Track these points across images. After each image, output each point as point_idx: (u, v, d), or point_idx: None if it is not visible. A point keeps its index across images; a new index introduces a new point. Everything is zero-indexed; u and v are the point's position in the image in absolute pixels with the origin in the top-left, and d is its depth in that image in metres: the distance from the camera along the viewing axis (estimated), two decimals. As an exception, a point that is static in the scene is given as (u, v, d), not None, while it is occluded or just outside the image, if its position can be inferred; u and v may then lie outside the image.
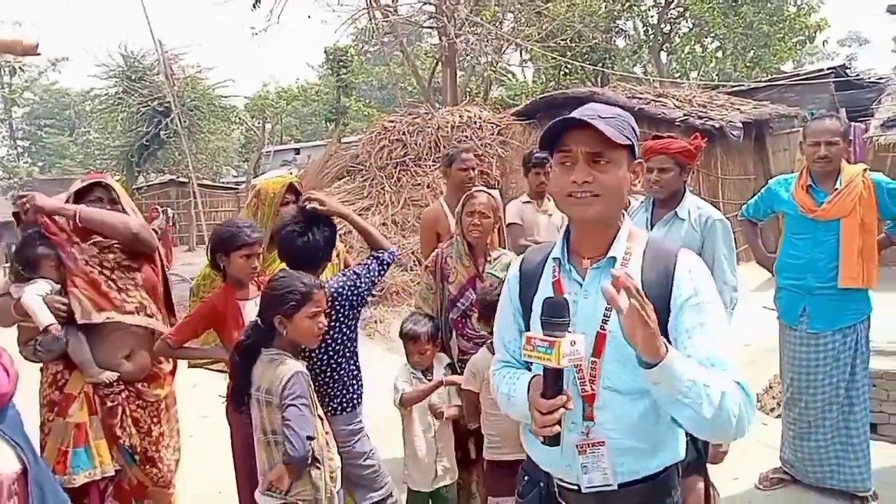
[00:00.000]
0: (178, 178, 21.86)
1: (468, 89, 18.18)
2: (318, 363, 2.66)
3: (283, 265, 2.64)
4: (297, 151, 29.61)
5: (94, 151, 27.89)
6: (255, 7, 16.11)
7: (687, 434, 1.60)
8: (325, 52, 23.49)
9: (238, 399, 2.41)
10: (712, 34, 21.60)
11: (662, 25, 21.74)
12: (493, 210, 3.09)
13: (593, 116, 1.47)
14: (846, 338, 3.28)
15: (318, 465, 2.31)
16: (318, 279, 2.49)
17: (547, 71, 19.98)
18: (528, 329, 1.62)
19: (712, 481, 2.14)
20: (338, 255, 3.30)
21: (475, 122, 10.37)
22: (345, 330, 2.70)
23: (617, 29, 21.17)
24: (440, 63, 17.16)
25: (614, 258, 1.52)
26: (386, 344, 6.63)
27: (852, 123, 9.16)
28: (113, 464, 2.69)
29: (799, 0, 20.84)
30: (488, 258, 3.13)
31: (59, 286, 2.67)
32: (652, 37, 21.94)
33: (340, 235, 4.02)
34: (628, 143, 1.49)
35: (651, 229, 3.03)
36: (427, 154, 10.02)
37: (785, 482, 3.54)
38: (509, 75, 23.25)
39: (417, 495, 3.00)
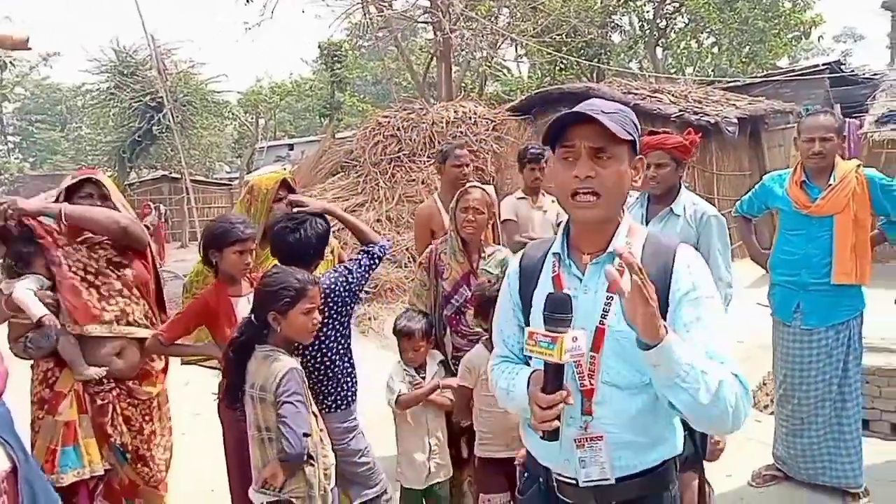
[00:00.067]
0: (170, 173, 21.74)
1: (463, 84, 18.16)
2: (312, 360, 2.65)
3: (276, 261, 2.62)
4: (291, 147, 29.50)
5: (85, 147, 27.75)
6: (248, 2, 16.04)
7: (685, 429, 1.60)
8: (319, 46, 23.35)
9: (232, 396, 2.40)
10: (708, 30, 21.64)
11: (658, 21, 21.74)
12: (487, 206, 3.08)
13: (596, 111, 1.47)
14: (839, 334, 3.28)
15: (312, 462, 2.30)
16: (311, 275, 2.47)
17: (542, 66, 19.96)
18: (527, 324, 1.63)
19: (707, 478, 2.14)
20: (332, 252, 3.28)
21: (470, 118, 10.35)
22: (338, 327, 2.69)
23: (612, 24, 21.16)
24: (435, 58, 17.13)
25: (614, 253, 1.52)
26: (380, 341, 6.62)
27: (847, 119, 9.22)
28: (103, 463, 2.67)
29: (794, -4, 20.88)
30: (482, 254, 3.12)
31: (49, 282, 2.64)
32: (647, 32, 21.95)
33: (334, 231, 4.00)
34: (630, 138, 1.49)
35: (646, 225, 3.02)
36: (422, 150, 10.00)
37: (777, 479, 3.55)
38: (504, 70, 23.22)
39: (411, 493, 3.00)
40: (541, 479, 1.63)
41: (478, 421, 2.85)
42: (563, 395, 1.42)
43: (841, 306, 3.27)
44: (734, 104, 11.45)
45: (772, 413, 3.84)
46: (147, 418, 2.82)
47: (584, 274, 1.55)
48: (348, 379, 2.75)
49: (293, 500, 2.28)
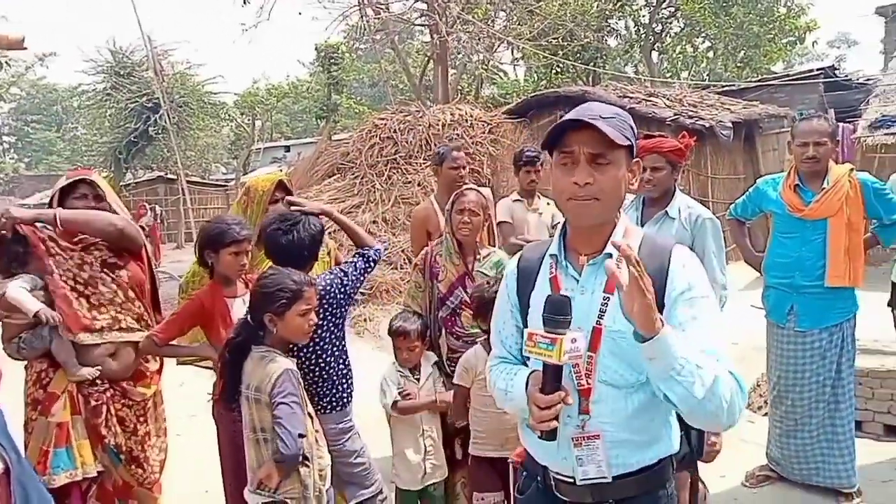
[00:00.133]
0: (166, 174, 21.70)
1: (459, 87, 18.18)
2: (307, 362, 2.65)
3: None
4: (287, 149, 29.47)
5: (81, 147, 27.62)
6: (245, 3, 16.02)
7: (681, 428, 1.62)
8: (316, 48, 23.38)
9: (229, 396, 2.40)
10: (703, 34, 21.74)
11: (654, 25, 21.83)
12: (482, 208, 3.09)
13: (595, 117, 1.48)
14: (832, 336, 3.30)
15: (306, 463, 2.30)
16: (308, 276, 2.48)
17: (538, 70, 20.02)
18: (525, 325, 1.64)
19: (701, 478, 2.16)
20: (328, 253, 3.28)
21: (466, 121, 10.37)
22: (332, 328, 2.69)
23: (608, 28, 21.21)
24: (431, 61, 17.14)
25: (611, 255, 1.54)
26: (375, 342, 6.62)
27: (840, 124, 9.25)
28: (96, 464, 2.66)
29: (789, 1, 20.97)
30: (478, 256, 3.13)
31: (42, 282, 2.64)
32: (643, 36, 22.04)
33: (330, 233, 4.00)
34: (629, 143, 1.51)
35: (641, 228, 3.04)
36: (418, 152, 10.01)
37: (771, 479, 3.56)
38: (501, 74, 23.25)
39: (406, 494, 3.00)
40: (539, 478, 1.64)
41: (473, 420, 2.86)
42: (562, 396, 1.43)
43: (834, 309, 3.29)
44: (729, 108, 11.51)
45: (765, 414, 3.85)
46: (141, 419, 2.81)
47: (580, 275, 1.57)
48: (344, 380, 2.75)
49: (288, 500, 2.28)
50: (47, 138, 38.56)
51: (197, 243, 2.75)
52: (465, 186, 3.25)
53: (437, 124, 10.21)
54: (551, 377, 1.44)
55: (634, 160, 1.57)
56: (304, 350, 2.62)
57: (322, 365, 2.68)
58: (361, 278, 2.77)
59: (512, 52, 19.91)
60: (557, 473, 1.59)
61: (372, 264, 2.82)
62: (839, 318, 3.29)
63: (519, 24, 16.76)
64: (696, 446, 1.74)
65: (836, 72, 16.14)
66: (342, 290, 2.68)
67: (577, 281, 1.57)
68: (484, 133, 10.24)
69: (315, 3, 16.03)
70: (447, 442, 3.08)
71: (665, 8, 21.62)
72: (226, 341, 2.42)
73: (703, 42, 22.82)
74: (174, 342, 2.72)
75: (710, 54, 22.81)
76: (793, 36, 21.23)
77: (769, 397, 3.61)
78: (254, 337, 2.36)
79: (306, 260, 2.59)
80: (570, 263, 1.60)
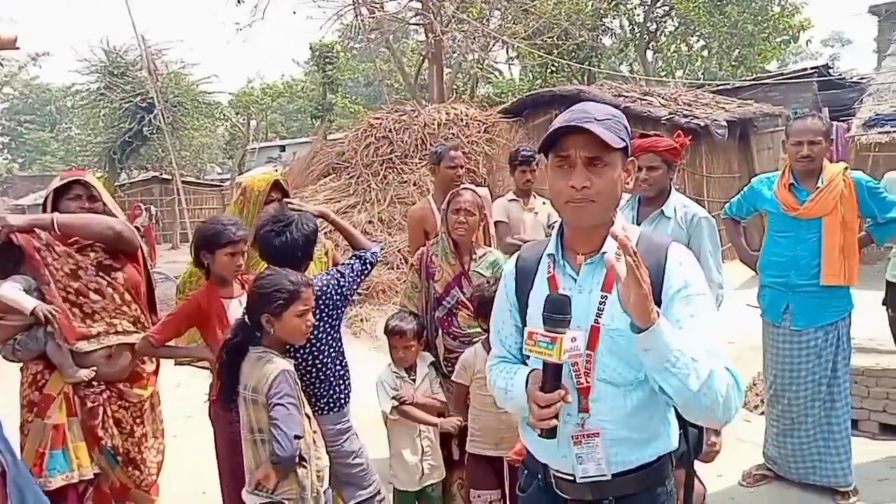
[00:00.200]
0: (161, 175, 21.62)
1: (455, 86, 18.15)
2: (304, 363, 2.65)
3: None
4: (283, 148, 29.39)
5: (75, 148, 27.54)
6: (239, 2, 15.98)
7: (680, 426, 1.64)
8: (311, 48, 23.33)
9: (227, 397, 2.39)
10: (698, 33, 21.77)
11: (648, 24, 21.86)
12: (478, 208, 3.09)
13: (590, 120, 1.49)
14: (828, 335, 3.31)
15: (304, 464, 2.30)
16: (305, 276, 2.47)
17: (534, 69, 20.01)
18: (523, 325, 1.65)
19: (700, 477, 2.16)
20: (326, 253, 3.28)
21: (462, 120, 10.36)
22: (329, 329, 2.69)
23: (603, 27, 21.23)
24: (427, 60, 17.13)
25: (607, 254, 1.56)
26: (372, 343, 6.61)
27: (834, 123, 9.29)
28: (92, 466, 2.65)
29: (783, 0, 21.02)
30: (474, 256, 3.13)
31: (35, 283, 2.62)
32: (638, 35, 22.06)
33: (327, 233, 3.99)
34: (624, 144, 1.52)
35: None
36: (413, 151, 9.99)
37: (768, 478, 3.58)
38: (496, 73, 23.25)
39: (404, 495, 3.00)
40: (539, 476, 1.65)
41: (471, 418, 2.88)
42: (562, 394, 1.45)
43: (829, 307, 3.31)
44: (723, 107, 11.54)
45: (762, 413, 3.87)
46: (138, 421, 2.80)
47: (578, 274, 1.58)
48: (341, 381, 2.75)
49: (285, 501, 2.27)
50: (41, 138, 38.38)
51: (193, 244, 2.74)
52: (461, 186, 3.25)
53: (433, 124, 10.20)
54: (551, 376, 1.45)
55: (629, 159, 1.58)
56: (301, 351, 2.61)
57: (319, 366, 2.67)
58: (358, 280, 2.77)
59: (507, 51, 19.90)
60: (558, 471, 1.60)
61: (369, 267, 2.82)
62: (834, 316, 3.31)
63: (514, 23, 16.76)
64: (695, 444, 1.75)
65: (830, 71, 16.20)
66: (339, 291, 2.68)
67: (575, 280, 1.58)
68: (479, 132, 10.23)
69: (309, 2, 16.05)
70: (444, 443, 3.08)
71: (659, 7, 21.65)
72: (223, 342, 2.41)
73: (698, 41, 22.86)
74: (171, 343, 2.71)
75: (705, 53, 22.84)
76: (787, 35, 21.27)
77: (766, 396, 3.63)
78: (251, 338, 2.35)
79: (301, 260, 2.58)
80: (568, 263, 1.61)
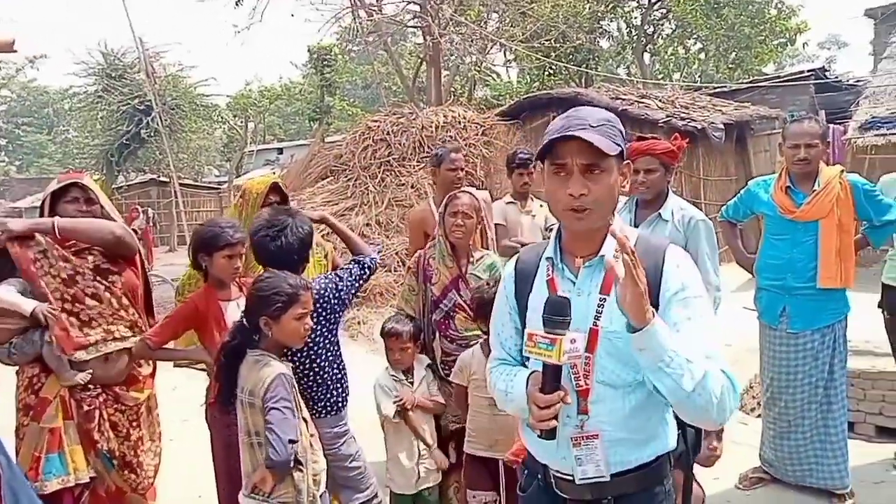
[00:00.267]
0: (158, 177, 21.62)
1: (452, 89, 18.18)
2: (302, 366, 2.65)
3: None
4: (280, 151, 29.42)
5: (73, 150, 27.51)
6: (237, 5, 15.99)
7: (678, 426, 1.65)
8: (309, 50, 23.34)
9: (225, 400, 2.39)
10: (695, 36, 21.82)
11: (646, 27, 21.90)
12: (475, 210, 3.09)
13: (585, 126, 1.50)
14: (825, 337, 3.32)
15: (300, 467, 2.29)
16: (304, 280, 2.47)
17: (531, 71, 20.03)
18: (523, 327, 1.67)
19: (698, 481, 2.17)
20: (325, 256, 3.28)
21: (459, 122, 10.38)
22: (326, 333, 2.68)
23: (601, 30, 21.26)
24: (424, 63, 17.15)
25: (604, 255, 1.57)
26: (369, 345, 6.61)
27: (831, 125, 9.32)
28: (88, 470, 2.64)
29: (780, 3, 21.09)
30: (471, 259, 3.13)
31: (28, 287, 2.62)
32: (635, 38, 22.10)
33: (325, 235, 3.98)
34: (619, 149, 1.53)
35: (634, 230, 3.05)
36: (411, 154, 10.01)
37: (765, 481, 3.58)
38: (494, 75, 23.27)
39: (400, 498, 3.00)
40: (539, 476, 1.67)
41: (468, 418, 2.89)
42: (561, 395, 1.46)
43: (826, 310, 3.31)
44: (720, 110, 11.56)
45: (758, 416, 3.88)
46: (134, 424, 2.80)
47: (577, 277, 1.60)
48: (339, 384, 2.75)
49: (281, 505, 2.27)
50: (38, 141, 38.32)
51: (191, 246, 2.74)
52: (459, 189, 3.25)
53: (431, 126, 10.21)
54: (551, 377, 1.46)
55: (625, 163, 1.59)
56: (299, 354, 2.61)
57: (316, 369, 2.67)
58: (356, 285, 2.76)
59: (504, 53, 19.91)
60: (557, 472, 1.62)
61: (367, 272, 2.82)
62: (831, 319, 3.31)
63: (511, 25, 16.78)
64: (693, 444, 1.78)
65: (827, 73, 16.24)
66: (336, 294, 2.68)
67: (574, 283, 1.59)
68: (477, 135, 10.25)
69: (308, 4, 16.03)
70: (441, 445, 3.08)
71: (657, 10, 21.70)
72: (221, 344, 2.41)
73: (695, 44, 22.91)
74: (168, 345, 2.70)
75: (702, 56, 22.89)
76: (783, 37, 21.32)
77: (762, 399, 3.63)
78: (249, 340, 2.35)
79: (297, 263, 2.58)
80: (567, 266, 1.62)
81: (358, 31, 15.75)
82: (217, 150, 28.33)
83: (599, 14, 19.70)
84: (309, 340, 2.53)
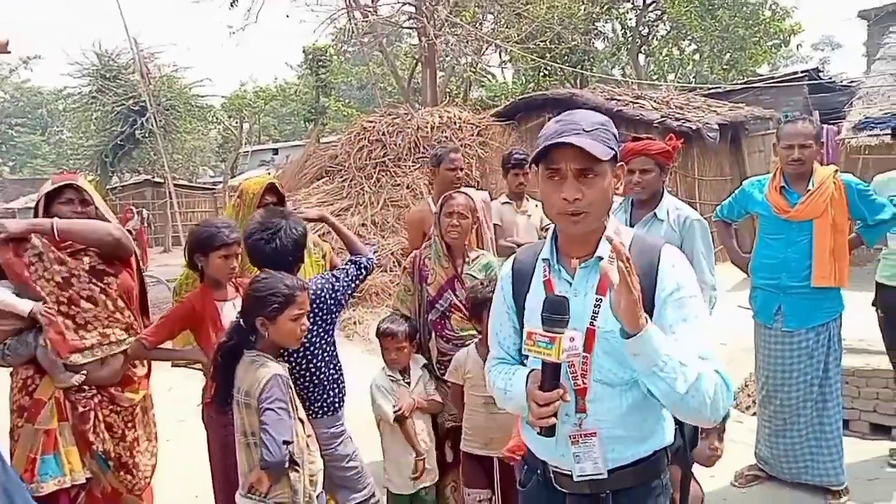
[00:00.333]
0: (153, 178, 21.55)
1: (448, 90, 18.20)
2: (298, 366, 2.64)
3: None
4: (276, 151, 29.37)
5: (66, 151, 27.38)
6: (232, 6, 15.97)
7: (675, 422, 1.67)
8: (304, 51, 23.34)
9: (222, 400, 2.38)
10: (689, 37, 21.90)
11: (640, 28, 21.97)
12: (471, 211, 3.09)
13: (578, 131, 1.52)
14: (819, 336, 3.34)
15: (296, 468, 2.29)
16: (299, 279, 2.47)
17: (526, 72, 20.07)
18: (521, 327, 1.69)
19: (697, 479, 2.18)
20: (324, 256, 3.29)
21: (455, 123, 10.37)
22: (323, 333, 2.68)
23: (596, 31, 21.34)
24: (420, 63, 17.15)
25: (602, 258, 1.59)
26: (365, 345, 6.60)
27: (825, 126, 9.36)
28: (84, 471, 2.63)
29: (774, 4, 21.18)
30: (466, 259, 3.13)
31: (16, 290, 2.60)
32: (630, 39, 22.17)
33: (322, 234, 3.98)
34: (613, 153, 1.55)
35: (630, 230, 3.06)
36: (407, 155, 9.99)
37: (760, 479, 3.59)
38: (489, 76, 23.31)
39: (398, 498, 3.00)
40: (539, 471, 1.70)
41: (464, 417, 2.91)
42: (560, 393, 1.48)
43: (821, 309, 3.33)
44: (715, 110, 11.60)
45: (754, 414, 3.89)
46: (130, 425, 2.78)
47: (573, 278, 1.62)
48: (335, 384, 2.74)
49: (277, 505, 2.27)
50: (32, 142, 38.15)
51: (187, 247, 2.74)
52: (457, 189, 3.26)
53: (426, 127, 10.20)
54: (550, 375, 1.48)
55: (618, 165, 1.61)
56: (296, 354, 2.60)
57: (313, 369, 2.67)
58: (353, 285, 2.77)
59: (500, 54, 19.94)
60: (556, 468, 1.65)
61: (364, 272, 2.82)
62: (826, 317, 3.33)
63: (507, 26, 16.80)
64: (691, 438, 1.80)
65: (821, 74, 16.32)
66: (333, 295, 2.67)
67: (570, 284, 1.61)
68: (472, 135, 10.24)
69: (303, 5, 16.00)
70: (438, 444, 3.09)
71: (651, 11, 21.77)
72: (218, 345, 2.40)
73: (690, 45, 22.99)
74: (164, 345, 2.70)
75: (697, 57, 22.97)
76: (777, 39, 21.43)
77: (758, 397, 3.64)
78: (245, 341, 2.34)
79: (292, 264, 2.57)
80: (563, 267, 1.64)
81: (353, 31, 15.73)
82: (212, 151, 28.25)
83: (594, 15, 19.76)
84: (305, 341, 2.53)
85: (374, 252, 3.27)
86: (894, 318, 3.70)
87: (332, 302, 2.68)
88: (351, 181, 9.92)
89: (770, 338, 3.43)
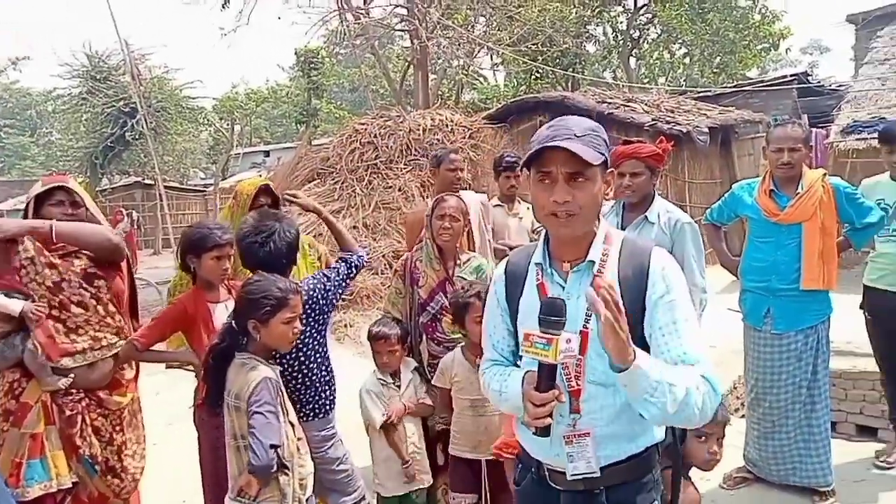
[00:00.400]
0: (143, 180, 21.43)
1: (440, 92, 18.21)
2: (291, 368, 2.63)
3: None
4: (267, 154, 29.30)
5: (56, 153, 27.19)
6: (224, 7, 15.92)
7: None
8: (296, 53, 23.29)
9: (213, 402, 2.37)
10: (680, 41, 22.03)
11: (631, 31, 22.09)
12: (462, 213, 3.10)
13: (570, 136, 1.54)
14: (808, 338, 3.36)
15: (286, 471, 2.28)
16: (292, 282, 2.46)
17: (518, 75, 20.14)
18: (515, 329, 1.73)
19: (694, 483, 2.20)
20: (319, 258, 3.28)
21: (447, 126, 10.37)
22: (315, 334, 2.67)
23: (587, 34, 21.42)
24: (412, 66, 17.16)
25: (593, 262, 1.62)
26: (356, 348, 6.59)
27: (813, 129, 9.44)
28: (70, 475, 2.60)
29: (763, 8, 21.34)
30: (458, 261, 3.14)
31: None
32: (621, 42, 22.28)
33: (317, 235, 3.96)
34: (603, 158, 1.58)
35: (621, 233, 3.07)
36: (398, 157, 9.99)
37: (748, 481, 3.61)
38: (481, 79, 23.36)
39: (388, 501, 2.99)
40: (533, 469, 1.73)
41: (452, 420, 2.91)
42: (556, 394, 1.51)
43: (809, 311, 3.35)
44: (705, 114, 11.67)
45: (742, 416, 3.90)
46: (118, 428, 2.76)
47: (566, 281, 1.64)
48: (327, 387, 2.74)
49: (267, 509, 2.25)
50: (21, 143, 37.84)
51: (179, 248, 2.73)
52: (455, 192, 3.27)
53: (418, 129, 10.20)
54: (546, 376, 1.51)
55: (608, 171, 1.64)
56: (288, 356, 2.60)
57: (305, 371, 2.66)
58: (344, 284, 2.76)
59: (492, 57, 19.99)
60: (550, 466, 1.68)
61: (354, 270, 2.81)
62: (814, 320, 3.35)
63: (499, 29, 16.84)
64: (680, 435, 1.86)
65: (809, 78, 16.43)
66: (325, 295, 2.67)
67: (563, 287, 1.64)
68: (464, 138, 10.24)
69: (295, 7, 15.98)
70: (428, 447, 3.08)
71: (642, 14, 21.88)
72: (209, 346, 2.39)
73: (680, 48, 23.12)
74: (156, 347, 2.68)
75: (687, 60, 23.10)
76: (767, 42, 21.58)
77: (746, 399, 3.66)
78: (237, 343, 2.33)
79: (285, 267, 2.57)
80: (556, 271, 1.67)
81: (345, 34, 15.73)
82: (203, 153, 28.12)
83: (586, 19, 19.82)
84: (299, 342, 2.53)
85: (367, 255, 3.27)
86: (881, 321, 3.73)
87: (325, 302, 2.67)
88: (342, 183, 9.90)
89: (759, 340, 3.45)
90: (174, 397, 3.36)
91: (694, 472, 2.26)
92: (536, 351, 1.48)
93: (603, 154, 1.58)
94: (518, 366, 1.74)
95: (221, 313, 2.60)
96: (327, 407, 2.74)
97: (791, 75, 15.75)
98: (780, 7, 21.95)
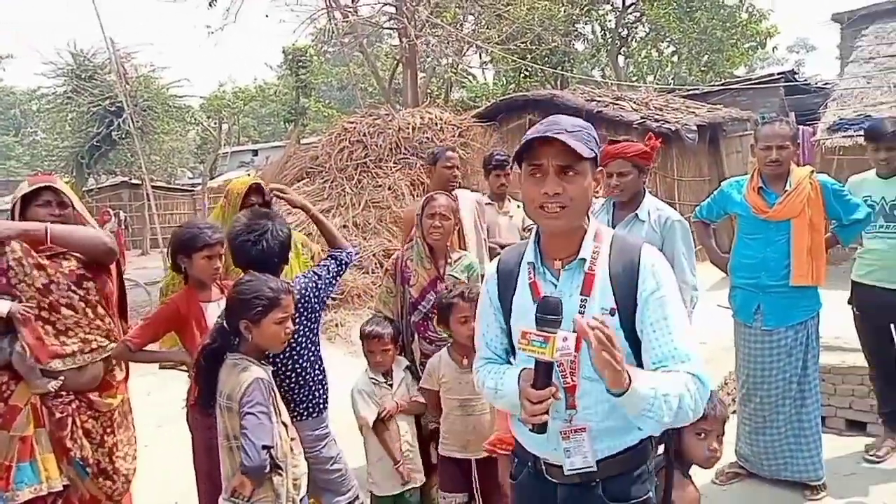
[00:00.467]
0: (130, 179, 21.26)
1: (429, 91, 18.20)
2: (284, 368, 2.63)
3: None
4: (255, 153, 29.18)
5: (41, 152, 26.88)
6: (211, 5, 15.83)
7: None
8: (284, 51, 23.18)
9: (205, 402, 2.35)
10: (668, 39, 22.13)
11: (620, 30, 22.17)
12: (453, 212, 3.10)
13: (561, 131, 1.56)
14: (798, 334, 3.38)
15: (279, 472, 2.27)
16: (284, 282, 2.45)
17: (507, 73, 20.17)
18: (508, 327, 1.74)
19: (694, 482, 2.21)
20: (312, 258, 3.27)
21: (436, 124, 10.36)
22: (308, 333, 2.67)
23: (576, 33, 21.48)
24: (400, 64, 17.14)
25: (584, 259, 1.64)
26: (347, 347, 6.57)
27: (800, 127, 9.51)
28: (61, 478, 2.57)
29: (750, 6, 21.49)
30: (448, 260, 3.14)
31: None
32: (610, 41, 22.36)
33: (310, 234, 3.95)
34: (594, 154, 1.59)
35: (611, 231, 3.08)
36: (388, 156, 9.96)
37: (740, 476, 3.63)
38: (470, 77, 23.35)
39: (382, 500, 2.99)
40: (529, 464, 1.76)
41: (441, 420, 2.92)
42: (553, 391, 1.52)
43: (799, 307, 3.38)
44: (694, 112, 11.74)
45: (734, 412, 3.93)
46: (108, 430, 2.73)
47: (558, 279, 1.65)
48: (319, 386, 2.73)
49: (260, 509, 2.24)
50: (5, 143, 37.42)
51: (170, 248, 2.72)
52: (447, 190, 3.27)
53: (407, 128, 10.18)
54: (543, 373, 1.52)
55: (598, 169, 1.65)
56: (281, 355, 2.58)
57: (298, 370, 2.65)
58: (334, 281, 2.76)
59: (480, 55, 20.02)
60: (547, 460, 1.70)
61: (343, 267, 2.81)
62: (804, 315, 3.38)
63: (487, 28, 16.85)
64: (672, 432, 1.87)
65: (796, 76, 16.58)
66: (316, 293, 2.66)
67: (555, 286, 1.65)
68: (454, 136, 10.23)
69: (282, 5, 15.90)
70: (421, 445, 3.08)
71: (630, 13, 21.97)
72: (201, 347, 2.38)
73: (668, 46, 23.23)
74: (148, 347, 2.67)
75: (675, 58, 23.23)
76: (754, 41, 21.74)
77: (737, 396, 3.69)
78: (229, 343, 2.32)
79: (277, 266, 2.56)
80: (548, 269, 1.68)
81: (333, 32, 15.67)
82: (190, 152, 27.93)
83: (574, 17, 19.90)
84: (291, 341, 2.51)
85: (357, 254, 3.26)
86: (869, 316, 3.76)
87: (316, 301, 2.67)
88: (332, 182, 9.86)
89: (750, 336, 3.48)
90: (165, 398, 3.34)
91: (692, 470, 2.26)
92: (533, 349, 1.49)
93: (593, 150, 1.59)
94: (511, 363, 1.75)
95: (214, 312, 2.59)
96: (320, 406, 2.73)
97: (778, 73, 15.91)
98: (766, 6, 22.18)
